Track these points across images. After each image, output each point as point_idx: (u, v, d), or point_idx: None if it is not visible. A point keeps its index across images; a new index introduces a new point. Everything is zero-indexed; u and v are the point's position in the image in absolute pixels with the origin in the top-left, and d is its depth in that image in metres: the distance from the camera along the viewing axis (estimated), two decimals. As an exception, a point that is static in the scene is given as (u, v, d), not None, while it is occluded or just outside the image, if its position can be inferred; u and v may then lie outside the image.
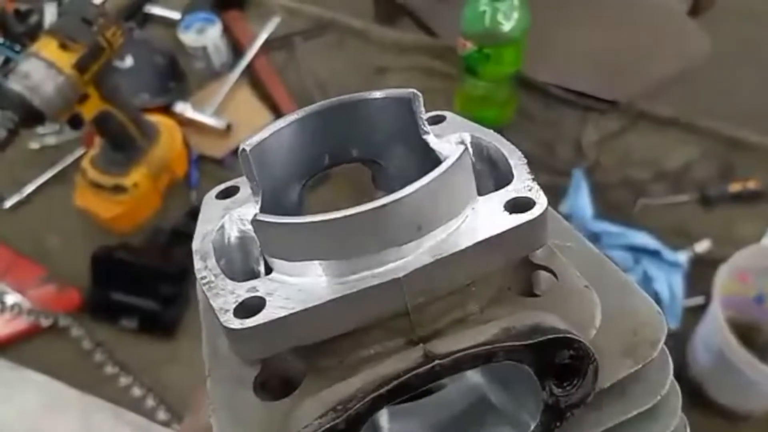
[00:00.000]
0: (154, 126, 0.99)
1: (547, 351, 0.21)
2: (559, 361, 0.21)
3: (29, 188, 1.03)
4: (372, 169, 0.29)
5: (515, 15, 0.91)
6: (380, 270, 0.21)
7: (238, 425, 0.23)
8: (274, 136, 0.26)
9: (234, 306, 0.21)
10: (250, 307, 0.21)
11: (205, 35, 1.11)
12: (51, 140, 1.08)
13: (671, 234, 0.95)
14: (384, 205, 0.21)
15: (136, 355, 0.90)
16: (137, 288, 0.92)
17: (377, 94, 0.26)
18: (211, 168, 1.05)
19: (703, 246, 0.93)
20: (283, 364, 0.24)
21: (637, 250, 0.92)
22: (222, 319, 0.21)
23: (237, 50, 1.15)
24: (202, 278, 0.23)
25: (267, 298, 0.21)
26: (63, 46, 0.78)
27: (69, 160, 1.06)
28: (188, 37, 1.11)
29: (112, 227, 0.98)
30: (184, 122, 1.06)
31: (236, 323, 0.21)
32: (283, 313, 0.21)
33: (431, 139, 0.26)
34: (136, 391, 0.86)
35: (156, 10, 1.22)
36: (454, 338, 0.21)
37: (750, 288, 0.82)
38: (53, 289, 0.93)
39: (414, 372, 0.20)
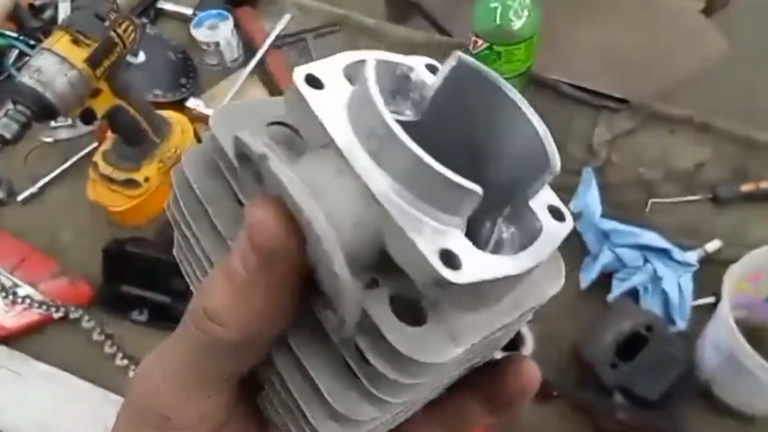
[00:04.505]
0: (165, 121, 0.99)
1: None
2: None
3: (42, 182, 1.04)
4: None
5: (526, 12, 0.91)
6: None
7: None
8: None
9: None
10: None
11: (217, 31, 1.12)
12: (64, 134, 1.09)
13: (682, 233, 0.94)
14: None
15: (146, 348, 0.89)
16: (148, 281, 0.93)
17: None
18: (221, 163, 1.06)
19: (714, 246, 0.92)
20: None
21: (647, 249, 0.91)
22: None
23: (249, 47, 1.16)
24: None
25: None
26: (75, 41, 0.79)
27: (81, 153, 1.06)
28: (200, 33, 1.12)
29: (123, 221, 0.99)
30: (197, 118, 1.07)
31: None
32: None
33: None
34: (145, 384, 0.87)
35: (168, 6, 1.22)
36: None
37: (761, 289, 0.82)
38: (65, 282, 0.94)
39: None
